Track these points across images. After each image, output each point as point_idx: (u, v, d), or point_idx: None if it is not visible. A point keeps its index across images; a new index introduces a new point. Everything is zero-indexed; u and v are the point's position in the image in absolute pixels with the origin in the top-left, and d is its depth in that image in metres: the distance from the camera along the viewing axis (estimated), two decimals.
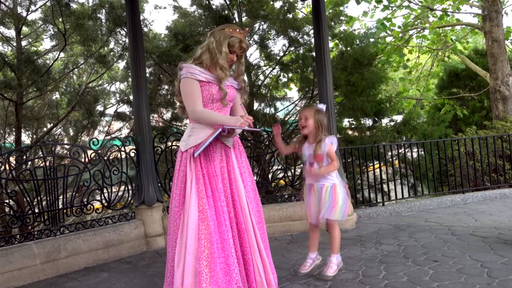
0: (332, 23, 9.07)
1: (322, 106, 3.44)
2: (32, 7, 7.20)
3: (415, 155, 7.84)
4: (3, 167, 3.94)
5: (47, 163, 4.27)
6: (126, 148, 4.83)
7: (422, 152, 7.43)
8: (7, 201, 4.32)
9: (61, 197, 4.34)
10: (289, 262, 3.90)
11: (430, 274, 3.29)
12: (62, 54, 7.76)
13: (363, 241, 4.45)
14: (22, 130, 7.29)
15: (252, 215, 3.01)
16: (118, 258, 4.51)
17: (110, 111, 8.74)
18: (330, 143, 3.32)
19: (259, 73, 8.62)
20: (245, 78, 3.26)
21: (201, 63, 3.00)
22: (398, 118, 10.05)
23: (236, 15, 8.54)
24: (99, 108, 8.41)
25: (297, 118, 8.37)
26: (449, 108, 11.49)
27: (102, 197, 4.64)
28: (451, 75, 12.83)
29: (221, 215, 2.87)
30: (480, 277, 3.16)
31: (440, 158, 7.19)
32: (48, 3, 7.00)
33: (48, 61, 7.71)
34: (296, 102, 8.82)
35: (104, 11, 7.37)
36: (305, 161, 3.45)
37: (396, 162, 7.80)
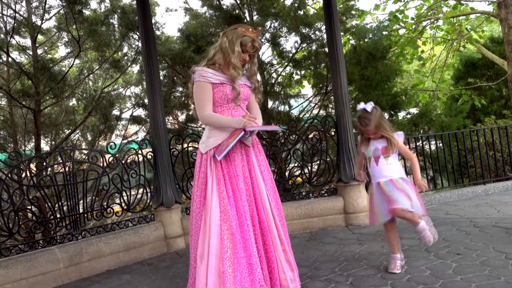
0: (344, 18, 8.99)
1: (369, 107, 3.31)
2: (46, 16, 7.32)
3: (433, 147, 7.73)
4: (24, 174, 4.02)
5: (67, 169, 4.34)
6: (143, 151, 4.88)
7: (440, 144, 7.32)
8: (29, 207, 4.40)
9: (81, 201, 4.40)
10: (309, 259, 3.89)
11: (453, 268, 3.24)
12: (77, 61, 7.87)
13: (383, 236, 4.39)
14: (41, 137, 7.41)
15: (275, 213, 3.02)
16: (140, 260, 4.56)
17: (126, 115, 8.83)
18: (400, 139, 3.33)
19: (272, 71, 8.60)
20: (259, 77, 3.27)
21: (214, 64, 3.02)
22: (415, 111, 9.91)
23: (247, 14, 8.54)
24: (115, 112, 8.52)
25: (311, 115, 8.36)
26: (467, 98, 11.29)
27: (122, 200, 4.69)
28: (467, 64, 12.60)
29: (243, 214, 2.88)
30: (505, 269, 3.10)
31: (459, 150, 7.09)
32: (61, 11, 7.11)
33: (64, 68, 7.83)
34: (310, 99, 8.77)
35: (116, 16, 7.45)
36: (370, 157, 3.34)
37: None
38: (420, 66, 12.54)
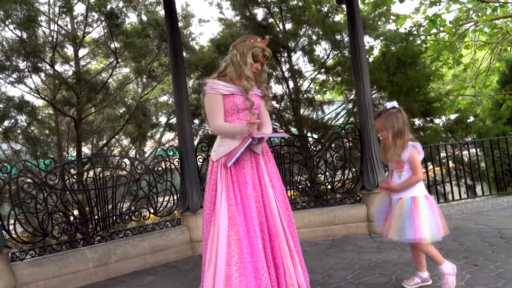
0: (380, 23, 8.92)
1: (390, 105, 3.00)
2: (89, 29, 7.78)
3: (465, 153, 7.47)
4: (57, 179, 4.32)
5: (100, 174, 4.61)
6: (171, 158, 5.10)
7: (474, 150, 7.07)
8: (62, 210, 4.71)
9: (110, 205, 4.67)
10: (325, 266, 3.92)
11: (467, 279, 3.19)
12: (116, 72, 8.31)
13: (404, 245, 4.32)
14: (83, 143, 7.88)
15: (283, 219, 3.10)
16: (165, 262, 4.75)
17: (162, 122, 9.17)
18: (414, 148, 2.93)
19: (304, 78, 8.67)
20: (268, 85, 3.35)
21: (225, 76, 3.14)
22: (454, 117, 9.63)
23: (280, 24, 8.65)
24: (152, 120, 8.88)
25: (343, 122, 8.32)
26: (511, 103, 10.79)
27: (149, 205, 4.92)
28: None
29: (250, 221, 2.98)
30: None
31: (501, 157, 6.81)
32: (101, 26, 7.56)
33: (105, 78, 8.27)
34: (343, 106, 8.74)
35: (152, 28, 7.81)
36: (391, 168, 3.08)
37: (452, 164, 7.43)
38: (462, 71, 12.13)
